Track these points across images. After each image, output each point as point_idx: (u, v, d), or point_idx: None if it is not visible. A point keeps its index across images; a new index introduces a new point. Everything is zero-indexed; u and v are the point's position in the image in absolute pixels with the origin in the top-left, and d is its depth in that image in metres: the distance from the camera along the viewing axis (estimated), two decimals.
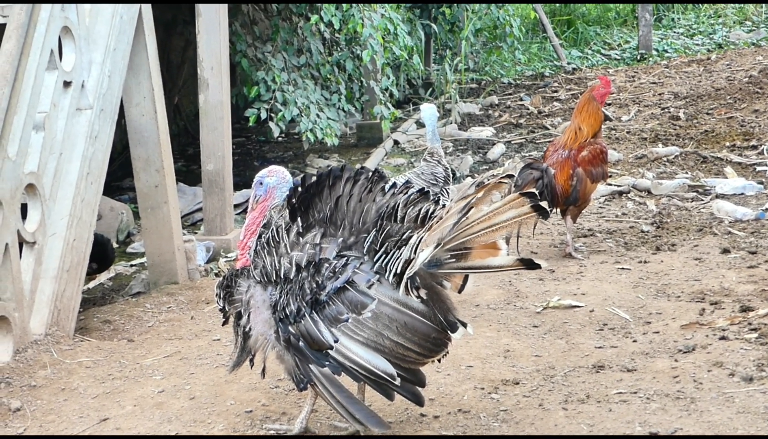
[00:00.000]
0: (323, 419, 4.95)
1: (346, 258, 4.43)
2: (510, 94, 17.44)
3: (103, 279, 8.81)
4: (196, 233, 9.88)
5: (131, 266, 9.30)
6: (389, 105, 13.31)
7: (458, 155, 13.07)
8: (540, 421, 4.82)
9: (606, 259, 7.78)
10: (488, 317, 6.57)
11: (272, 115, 11.47)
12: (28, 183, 6.20)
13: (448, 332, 4.35)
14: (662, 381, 5.28)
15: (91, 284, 8.60)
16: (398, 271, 4.30)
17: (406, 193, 4.48)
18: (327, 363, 4.41)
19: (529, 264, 4.24)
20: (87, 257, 6.86)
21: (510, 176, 4.40)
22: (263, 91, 11.60)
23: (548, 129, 14.08)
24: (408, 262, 4.27)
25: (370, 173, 4.57)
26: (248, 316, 4.64)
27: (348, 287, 4.38)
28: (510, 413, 4.95)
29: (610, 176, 9.90)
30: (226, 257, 8.92)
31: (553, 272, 7.55)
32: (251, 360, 4.76)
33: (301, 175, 4.73)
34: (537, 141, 13.53)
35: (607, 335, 6.14)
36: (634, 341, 5.96)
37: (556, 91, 17.04)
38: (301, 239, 4.51)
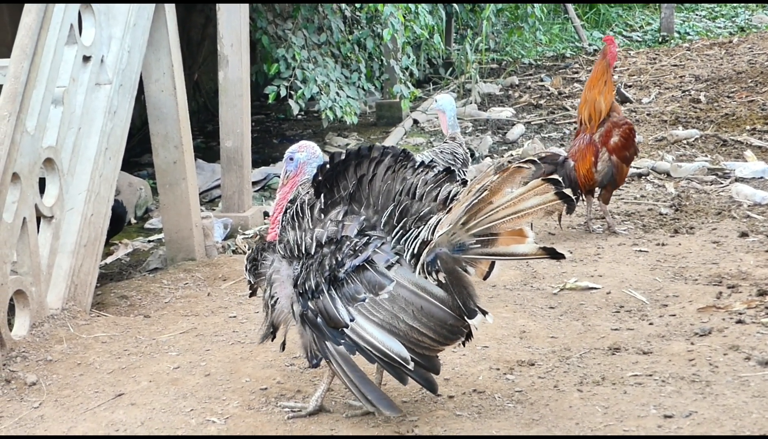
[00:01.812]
0: (338, 397, 4.94)
1: (367, 237, 4.43)
2: (530, 74, 17.37)
3: (120, 254, 8.83)
4: (213, 209, 9.90)
5: (149, 241, 9.33)
6: (409, 84, 13.27)
7: (477, 135, 13.04)
8: (555, 402, 4.80)
9: (624, 241, 7.75)
10: (504, 297, 6.56)
11: (292, 92, 11.46)
12: (46, 158, 6.21)
13: (466, 319, 4.34)
14: (678, 364, 5.26)
15: (109, 259, 8.63)
16: (415, 251, 4.30)
17: (429, 172, 4.48)
18: (343, 341, 4.42)
19: (552, 253, 4.23)
20: (105, 232, 6.87)
21: (532, 162, 4.37)
22: (283, 69, 11.59)
23: (568, 110, 14.02)
24: (425, 243, 4.26)
25: (397, 153, 4.56)
26: (271, 288, 4.66)
27: (367, 266, 4.38)
28: (525, 394, 4.93)
29: None
30: (244, 234, 8.92)
31: (571, 253, 7.51)
32: (273, 334, 4.77)
33: (331, 152, 4.74)
34: (557, 122, 13.48)
35: (623, 317, 6.12)
36: (651, 324, 5.93)
37: (576, 73, 16.97)
38: (323, 215, 4.51)
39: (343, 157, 4.56)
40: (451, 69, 17.10)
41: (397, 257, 4.36)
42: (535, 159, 4.45)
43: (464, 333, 4.41)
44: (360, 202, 4.50)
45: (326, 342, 4.47)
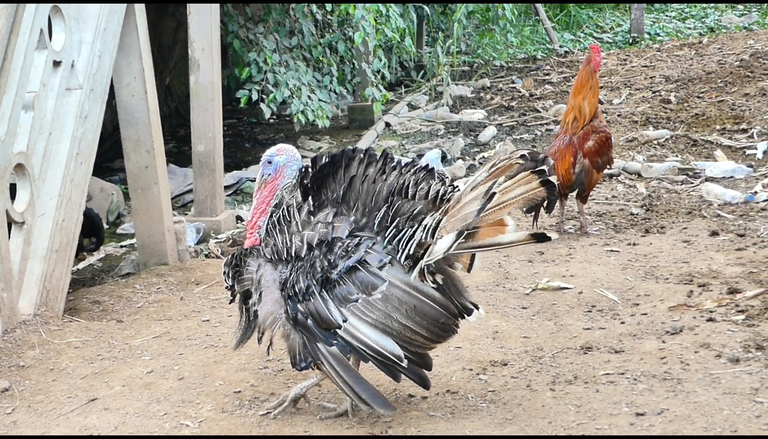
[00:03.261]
0: (312, 399, 4.94)
1: (359, 238, 4.44)
2: (502, 76, 17.41)
3: (93, 260, 8.81)
4: (186, 214, 9.88)
5: (121, 247, 9.30)
6: (381, 87, 13.32)
7: (449, 138, 13.06)
8: (527, 402, 4.82)
9: (595, 241, 7.79)
10: (477, 298, 6.45)
11: (263, 96, 11.48)
12: (17, 163, 6.20)
13: (458, 318, 4.41)
14: (649, 362, 5.29)
15: (80, 265, 8.60)
16: (410, 252, 4.32)
17: (413, 170, 4.50)
18: (335, 342, 4.44)
19: (540, 237, 4.29)
20: (76, 238, 6.86)
21: (523, 157, 4.41)
22: (255, 73, 11.61)
23: (539, 112, 14.07)
24: (421, 245, 4.30)
25: (382, 154, 4.58)
26: (259, 294, 4.64)
27: (359, 267, 4.39)
28: (498, 393, 4.96)
29: None
30: (216, 238, 8.92)
31: (543, 253, 7.56)
32: (259, 338, 4.76)
33: (313, 155, 4.75)
34: (528, 124, 13.52)
35: (595, 316, 6.15)
36: (622, 323, 5.97)
37: (548, 75, 17.03)
38: (312, 218, 4.52)
39: (328, 159, 4.58)
40: (422, 72, 17.12)
41: (389, 257, 4.37)
42: (525, 153, 4.49)
43: (456, 331, 4.48)
44: (349, 204, 4.51)
45: (317, 344, 4.48)
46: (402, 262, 4.37)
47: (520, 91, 15.75)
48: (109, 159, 12.36)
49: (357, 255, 4.41)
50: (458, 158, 11.76)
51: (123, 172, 11.62)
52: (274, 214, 4.70)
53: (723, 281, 6.56)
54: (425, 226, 4.31)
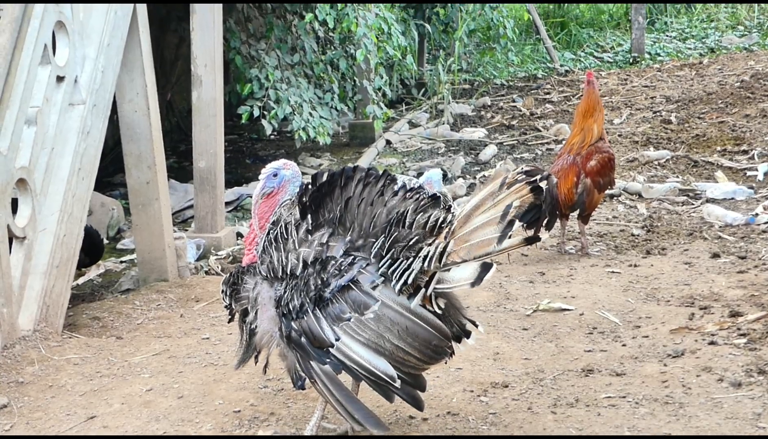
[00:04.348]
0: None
1: (352, 257, 4.41)
2: (502, 95, 17.43)
3: (92, 275, 8.80)
4: (186, 230, 9.88)
5: (121, 262, 9.29)
6: (382, 105, 13.31)
7: (450, 156, 13.08)
8: (529, 425, 4.81)
9: (596, 262, 7.78)
10: (478, 319, 6.50)
11: (265, 112, 11.47)
12: (19, 178, 6.18)
13: (451, 340, 4.35)
14: (651, 386, 5.28)
15: (80, 280, 8.59)
16: (409, 281, 4.27)
17: (417, 198, 4.47)
18: (328, 361, 4.37)
19: (531, 240, 4.27)
20: (77, 253, 6.84)
21: (527, 173, 4.39)
22: (256, 89, 11.61)
23: (540, 131, 14.09)
24: (425, 272, 4.24)
25: (382, 175, 4.55)
26: (255, 313, 4.61)
27: (352, 286, 4.34)
28: (499, 416, 4.94)
29: None
30: (217, 254, 8.91)
31: (543, 274, 7.55)
32: (256, 357, 4.74)
33: (313, 173, 4.71)
34: (529, 143, 13.54)
35: (596, 338, 6.14)
36: (624, 345, 5.95)
37: (548, 94, 17.05)
38: (309, 236, 4.48)
39: (327, 177, 4.55)
40: (423, 90, 17.15)
41: (383, 278, 4.34)
42: (526, 170, 4.45)
43: (449, 353, 4.40)
44: (345, 225, 4.47)
45: (311, 362, 4.43)
46: (398, 290, 4.32)
47: (520, 110, 15.77)
48: (109, 174, 12.35)
49: (350, 274, 4.37)
50: (459, 177, 11.77)
51: (123, 186, 11.64)
52: (271, 231, 4.67)
53: (724, 304, 6.54)
54: (427, 255, 4.26)
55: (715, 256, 7.70)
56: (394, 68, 15.74)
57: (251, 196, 10.79)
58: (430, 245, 4.24)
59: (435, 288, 4.25)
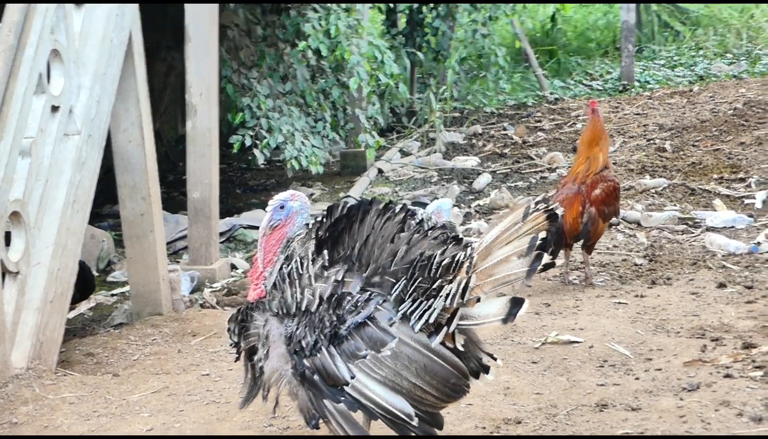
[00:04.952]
0: None
1: (369, 293, 4.25)
2: (493, 123, 17.33)
3: (83, 309, 8.59)
4: (178, 261, 9.69)
5: (112, 295, 9.09)
6: (374, 133, 13.19)
7: (443, 185, 12.95)
8: None
9: (602, 293, 7.64)
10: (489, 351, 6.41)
11: (257, 142, 11.31)
12: (12, 211, 6.02)
13: (468, 378, 4.18)
14: (669, 421, 5.13)
15: (71, 314, 8.36)
16: (430, 321, 4.11)
17: (437, 235, 4.33)
18: (342, 399, 4.20)
19: (546, 266, 4.07)
20: (71, 288, 6.68)
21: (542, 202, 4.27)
22: (248, 118, 11.47)
23: (533, 159, 13.97)
24: (447, 310, 4.05)
25: (401, 209, 4.40)
26: (267, 351, 4.44)
27: (369, 322, 4.18)
28: None
29: None
30: (212, 287, 8.72)
31: (549, 305, 7.40)
32: (264, 396, 4.57)
33: (329, 205, 4.55)
34: (522, 171, 13.42)
35: (608, 372, 5.98)
36: (637, 379, 5.80)
37: (539, 121, 16.95)
38: (325, 272, 4.33)
39: (344, 211, 4.40)
40: (414, 118, 17.04)
41: (400, 315, 4.17)
42: (540, 200, 4.32)
43: (466, 391, 4.23)
44: (362, 262, 4.31)
45: (324, 400, 4.26)
46: (418, 328, 4.16)
47: (512, 139, 15.66)
48: (98, 204, 12.09)
49: (366, 311, 4.21)
50: (454, 206, 11.61)
51: (112, 217, 11.49)
52: (284, 267, 4.51)
53: (736, 335, 6.40)
54: (449, 293, 4.09)
55: (722, 286, 7.56)
56: (384, 96, 15.61)
57: (244, 227, 10.71)
58: (450, 282, 4.08)
59: (459, 325, 4.09)
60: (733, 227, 9.57)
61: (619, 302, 7.34)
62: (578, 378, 5.88)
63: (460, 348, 4.15)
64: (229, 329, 4.66)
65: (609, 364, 6.10)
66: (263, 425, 5.31)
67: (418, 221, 4.39)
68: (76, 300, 7.95)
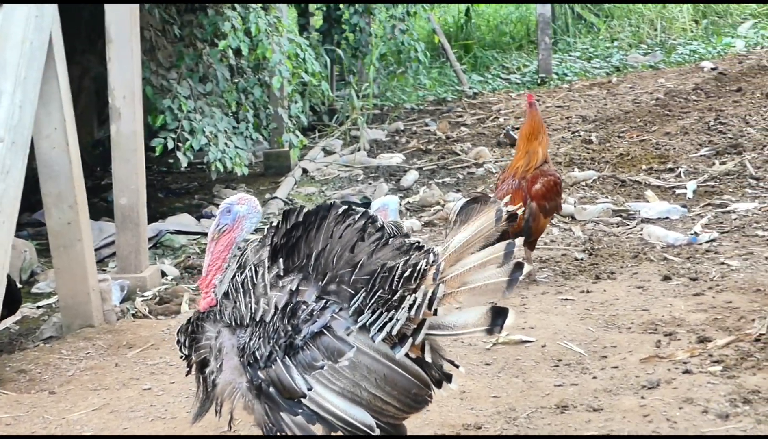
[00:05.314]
0: None
1: (325, 301, 4.03)
2: (414, 119, 17.17)
3: (8, 323, 8.22)
4: (104, 270, 9.36)
5: (38, 307, 8.73)
6: (298, 133, 12.94)
7: (369, 183, 12.76)
8: None
9: (546, 289, 7.50)
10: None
11: (179, 144, 10.98)
12: None
13: (431, 388, 4.00)
14: (633, 421, 5.02)
15: None
16: (393, 332, 3.88)
17: (397, 243, 4.13)
18: (300, 411, 4.00)
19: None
20: (0, 303, 6.34)
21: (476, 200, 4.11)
22: (169, 120, 11.11)
23: (459, 155, 13.82)
24: (412, 320, 3.85)
25: (360, 215, 4.18)
26: (220, 364, 4.21)
27: (325, 332, 3.97)
28: None
29: None
30: (143, 296, 8.41)
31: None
32: (217, 410, 4.33)
33: (284, 209, 4.33)
34: (449, 167, 13.26)
35: (563, 371, 5.85)
36: (594, 378, 5.68)
37: (461, 116, 16.81)
38: (280, 281, 4.11)
39: (300, 216, 4.19)
40: (335, 116, 16.83)
41: (359, 325, 3.97)
42: (477, 197, 4.17)
43: (429, 401, 4.05)
44: (318, 271, 4.10)
45: (281, 413, 4.05)
46: (378, 340, 3.94)
47: (435, 134, 15.51)
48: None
49: (322, 320, 3.99)
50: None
51: (32, 226, 11.10)
52: (237, 276, 4.29)
53: (689, 329, 6.32)
54: (413, 303, 3.87)
55: (667, 278, 7.48)
56: (304, 95, 15.37)
57: (170, 232, 10.40)
58: (414, 291, 3.87)
59: (430, 334, 3.90)
60: (667, 217, 9.52)
61: (566, 299, 7.21)
62: (534, 379, 5.73)
63: (428, 359, 3.97)
64: (178, 341, 4.44)
65: (564, 363, 5.97)
66: None
67: (378, 227, 4.19)
68: (3, 316, 7.57)
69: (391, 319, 3.88)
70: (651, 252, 8.31)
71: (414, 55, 16.64)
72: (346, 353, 3.94)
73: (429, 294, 3.81)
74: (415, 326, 3.86)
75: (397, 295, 3.89)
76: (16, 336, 7.89)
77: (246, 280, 4.19)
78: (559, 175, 8.02)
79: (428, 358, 3.96)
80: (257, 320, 4.09)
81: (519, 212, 4.10)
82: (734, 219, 9.21)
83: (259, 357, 4.07)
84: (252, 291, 4.14)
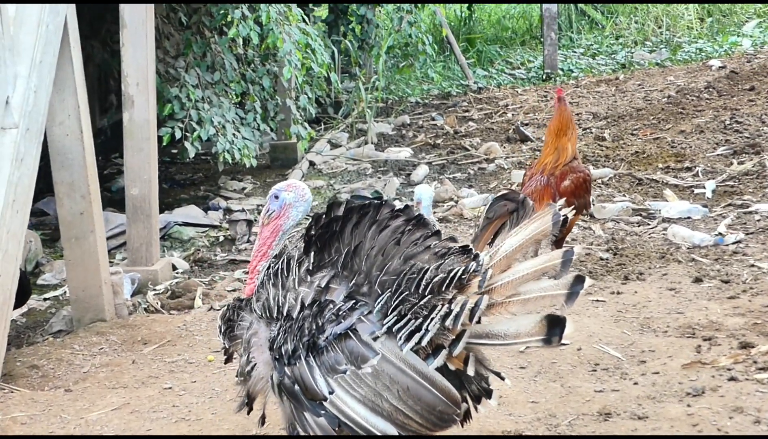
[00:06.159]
0: None
1: (353, 302, 3.81)
2: (420, 113, 16.90)
3: (15, 315, 7.95)
4: (112, 262, 9.09)
5: (44, 299, 8.46)
6: (306, 125, 12.70)
7: (379, 177, 12.51)
8: None
9: None
10: None
11: (187, 134, 10.73)
12: None
13: (460, 406, 3.74)
14: (682, 430, 4.81)
15: None
16: (422, 342, 3.65)
17: (437, 246, 3.89)
18: (323, 413, 3.78)
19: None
20: (13, 295, 6.08)
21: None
22: (177, 109, 10.86)
23: (468, 150, 13.57)
24: (449, 330, 3.63)
25: (405, 215, 3.96)
26: (248, 354, 4.03)
27: (350, 335, 3.75)
28: None
29: None
30: (155, 289, 8.15)
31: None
32: (249, 405, 4.11)
33: (330, 201, 4.13)
34: (459, 162, 13.02)
35: (602, 376, 5.62)
36: (635, 384, 5.46)
37: (467, 111, 16.55)
38: (310, 277, 3.89)
39: (341, 212, 3.96)
40: (342, 108, 16.58)
41: (385, 329, 3.73)
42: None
43: (455, 421, 3.78)
44: (351, 270, 3.88)
45: (305, 413, 3.84)
46: (405, 349, 3.68)
47: (443, 129, 15.25)
48: None
49: (348, 322, 3.77)
50: (395, 199, 11.17)
51: (35, 215, 10.82)
52: (272, 265, 4.10)
53: (729, 334, 6.09)
54: (449, 313, 3.62)
55: (698, 280, 7.25)
56: (312, 86, 15.10)
57: (179, 224, 10.14)
58: (450, 301, 3.64)
59: (472, 343, 3.67)
60: (689, 217, 9.30)
61: (597, 300, 6.98)
62: (573, 384, 5.51)
63: (470, 372, 3.73)
64: (219, 328, 4.28)
65: (601, 367, 5.75)
66: None
67: (423, 229, 3.97)
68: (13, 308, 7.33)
69: (419, 328, 3.67)
70: (677, 253, 8.08)
71: (422, 48, 16.36)
72: (369, 359, 3.72)
73: (470, 304, 3.59)
74: (453, 337, 3.64)
75: (427, 301, 3.69)
76: (24, 329, 7.64)
77: (278, 270, 4.04)
78: (589, 172, 7.77)
79: (471, 371, 3.73)
80: (285, 314, 3.92)
81: (570, 215, 3.86)
82: (758, 220, 8.98)
83: (284, 353, 3.89)
84: (282, 283, 3.99)
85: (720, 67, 17.40)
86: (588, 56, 21.15)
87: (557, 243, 7.47)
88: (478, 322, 3.60)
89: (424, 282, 3.72)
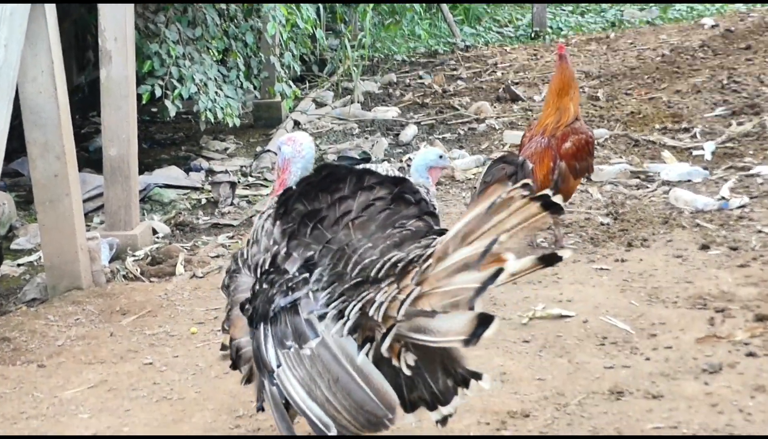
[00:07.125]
0: None
1: (307, 274, 3.46)
2: (406, 72, 16.49)
3: None
4: (89, 226, 8.68)
5: (18, 265, 8.05)
6: (291, 83, 12.29)
7: (366, 137, 12.11)
8: None
9: (577, 257, 6.90)
10: None
11: (167, 92, 10.32)
12: None
13: (393, 412, 3.31)
14: (701, 411, 4.49)
15: None
16: (346, 328, 3.33)
17: (410, 237, 3.52)
18: (275, 384, 3.47)
19: (550, 259, 3.14)
20: None
21: (526, 186, 3.28)
22: (157, 66, 10.43)
23: (458, 109, 13.16)
24: (374, 321, 3.27)
25: (386, 185, 3.61)
26: (228, 311, 3.87)
27: (294, 309, 3.43)
28: None
29: None
30: (134, 255, 7.75)
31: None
32: (240, 369, 3.84)
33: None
34: (449, 122, 12.63)
35: (611, 351, 5.29)
36: (647, 359, 5.13)
37: (455, 70, 16.13)
38: (272, 239, 3.65)
39: (327, 172, 3.63)
40: (327, 66, 16.15)
41: (334, 310, 3.37)
42: (529, 183, 3.35)
43: (387, 426, 3.33)
44: (317, 239, 3.53)
45: (264, 380, 3.58)
46: (344, 333, 3.33)
47: (431, 88, 14.83)
48: None
49: (294, 295, 3.45)
50: (383, 160, 10.77)
51: (8, 176, 10.39)
52: (255, 220, 3.91)
53: (742, 306, 5.77)
54: (372, 301, 3.27)
55: (705, 247, 6.91)
56: (296, 43, 14.66)
57: (159, 186, 9.74)
58: (381, 290, 3.28)
59: (405, 337, 3.24)
60: (689, 180, 8.94)
61: (601, 268, 6.63)
62: (581, 360, 5.18)
63: (406, 371, 3.33)
64: (223, 284, 4.02)
65: (610, 341, 5.42)
66: (228, 426, 4.51)
67: (403, 202, 3.63)
68: None
69: (342, 314, 3.35)
70: (680, 218, 7.73)
71: (409, 4, 15.93)
72: (309, 340, 3.38)
73: (398, 296, 3.23)
74: (384, 330, 3.26)
75: (361, 286, 3.36)
76: None
77: (257, 230, 3.80)
78: (592, 134, 7.41)
79: (406, 370, 3.33)
80: (258, 276, 3.67)
81: (558, 199, 3.26)
82: (761, 183, 8.64)
83: (249, 316, 3.66)
84: (256, 243, 3.77)
85: (713, 25, 17.07)
86: (577, 14, 20.78)
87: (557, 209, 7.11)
88: (410, 315, 3.19)
89: (371, 268, 3.39)
